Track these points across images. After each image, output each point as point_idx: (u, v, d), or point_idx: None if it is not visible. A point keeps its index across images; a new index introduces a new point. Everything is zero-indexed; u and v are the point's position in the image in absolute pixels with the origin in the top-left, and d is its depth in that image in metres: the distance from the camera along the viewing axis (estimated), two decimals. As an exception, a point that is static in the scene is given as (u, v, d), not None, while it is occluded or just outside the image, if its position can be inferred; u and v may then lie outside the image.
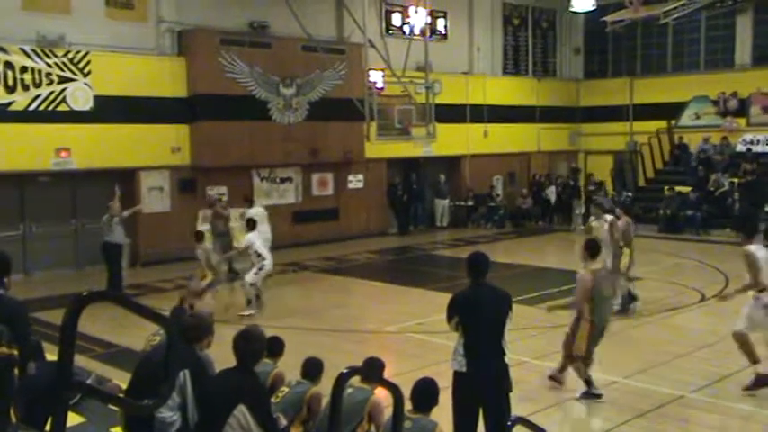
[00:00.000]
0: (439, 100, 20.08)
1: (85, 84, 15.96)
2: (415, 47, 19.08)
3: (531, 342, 10.18)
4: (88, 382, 6.81)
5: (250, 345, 4.60)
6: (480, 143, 23.97)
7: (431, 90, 19.18)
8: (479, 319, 5.81)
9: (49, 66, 15.47)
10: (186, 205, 17.69)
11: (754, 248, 8.07)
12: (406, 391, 5.24)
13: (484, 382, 5.77)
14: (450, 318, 5.93)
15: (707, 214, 20.82)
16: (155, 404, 3.30)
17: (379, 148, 19.73)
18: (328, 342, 10.36)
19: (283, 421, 5.32)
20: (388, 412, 5.21)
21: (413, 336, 10.75)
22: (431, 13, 20.82)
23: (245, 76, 18.09)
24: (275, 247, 18.65)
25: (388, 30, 21.43)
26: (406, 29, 20.89)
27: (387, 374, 5.91)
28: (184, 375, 4.58)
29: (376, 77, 18.44)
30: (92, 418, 6.64)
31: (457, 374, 5.84)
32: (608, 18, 23.40)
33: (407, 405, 5.12)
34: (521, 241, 20.69)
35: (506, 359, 5.89)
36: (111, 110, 16.22)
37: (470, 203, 23.43)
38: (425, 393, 5.16)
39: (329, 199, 20.60)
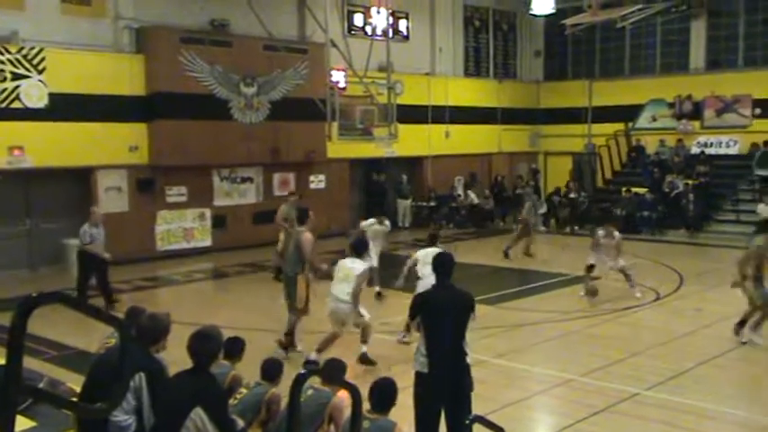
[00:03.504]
0: (401, 100, 20.12)
1: (40, 81, 15.63)
2: (377, 47, 19.11)
3: (490, 341, 10.26)
4: (40, 385, 6.69)
5: (204, 345, 4.54)
6: (442, 144, 24.10)
7: (393, 90, 19.22)
8: (441, 320, 5.85)
9: (2, 62, 15.11)
10: (145, 205, 17.44)
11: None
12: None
13: (446, 383, 5.81)
14: (412, 317, 5.99)
15: (662, 215, 21.24)
16: (107, 407, 3.24)
17: (341, 148, 19.70)
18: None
19: (240, 423, 5.27)
20: (348, 413, 5.20)
21: (375, 336, 10.73)
22: (393, 14, 20.88)
23: (206, 75, 17.90)
24: (236, 248, 18.63)
25: (350, 30, 21.38)
26: (369, 29, 20.90)
27: (349, 375, 5.91)
28: (140, 378, 4.52)
29: (338, 77, 18.41)
30: (44, 422, 6.51)
31: (419, 375, 5.87)
32: (567, 21, 23.71)
33: (366, 405, 5.11)
34: (481, 241, 20.83)
35: (468, 359, 5.93)
36: (66, 107, 15.91)
37: (432, 204, 23.54)
38: (383, 393, 5.17)
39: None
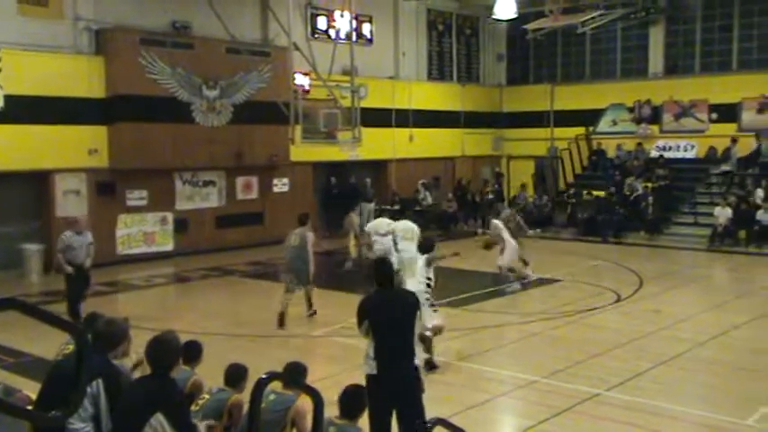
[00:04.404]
0: (365, 104, 20.11)
1: (-5, 82, 15.31)
2: (340, 50, 19.07)
3: (453, 344, 10.30)
4: (-5, 393, 6.52)
5: (162, 350, 4.48)
6: (406, 147, 24.18)
7: (356, 94, 19.19)
8: (388, 322, 5.97)
9: (-44, 63, 14.78)
10: (104, 209, 17.15)
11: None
12: (332, 395, 5.22)
13: (395, 384, 5.91)
14: (360, 323, 6.09)
15: (622, 217, 21.54)
16: (63, 414, 3.18)
17: (305, 151, 19.63)
18: (253, 347, 10.25)
19: (201, 429, 5.21)
20: (311, 418, 5.18)
21: (338, 340, 10.74)
22: (356, 18, 20.87)
23: (167, 77, 17.70)
24: (197, 252, 18.45)
25: (313, 33, 21.34)
26: (332, 32, 20.86)
27: (312, 379, 5.88)
28: (97, 385, 4.43)
29: (301, 81, 18.33)
30: (-1, 431, 6.36)
31: (369, 377, 5.95)
32: (529, 26, 23.96)
33: (335, 411, 5.10)
34: (445, 244, 20.88)
35: (417, 360, 6.05)
36: (23, 110, 15.59)
37: (396, 207, 23.56)
38: (352, 400, 5.15)
39: (254, 203, 20.35)
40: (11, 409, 3.39)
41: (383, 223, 13.15)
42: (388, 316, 5.99)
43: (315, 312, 12.01)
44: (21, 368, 9.25)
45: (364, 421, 5.34)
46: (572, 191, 23.14)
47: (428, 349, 8.96)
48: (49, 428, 4.35)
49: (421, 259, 9.32)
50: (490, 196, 24.13)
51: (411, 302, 6.16)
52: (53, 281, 15.42)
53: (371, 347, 5.94)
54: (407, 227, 12.05)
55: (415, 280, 9.10)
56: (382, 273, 6.21)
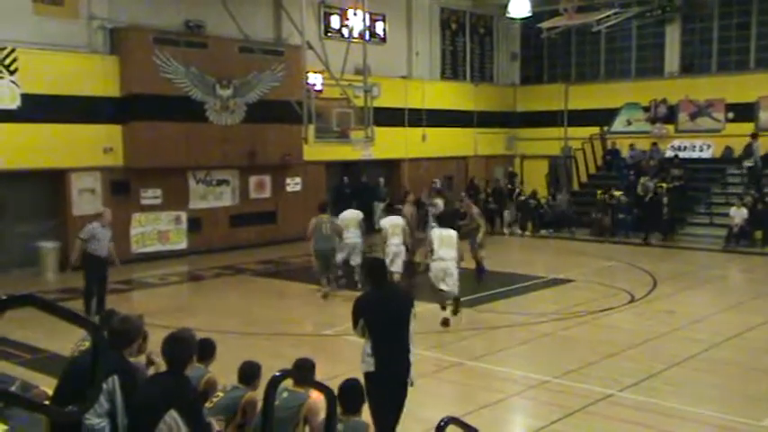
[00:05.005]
0: (378, 103, 20.13)
1: (12, 82, 15.43)
2: (353, 50, 19.09)
3: (465, 344, 10.30)
4: (12, 388, 6.60)
5: (178, 348, 4.52)
6: (419, 147, 24.16)
7: (369, 93, 19.20)
8: (384, 319, 6.08)
9: (-26, 63, 14.92)
10: (119, 207, 17.22)
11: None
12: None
13: (393, 379, 6.05)
14: (356, 322, 6.19)
15: (636, 218, 21.41)
16: (79, 410, 3.21)
17: (318, 151, 19.67)
18: (266, 346, 10.29)
19: (216, 426, 5.24)
20: (323, 415, 5.20)
21: (350, 338, 10.74)
22: (369, 16, 20.88)
23: (181, 77, 17.79)
24: (210, 250, 18.56)
25: (326, 32, 21.38)
26: (345, 31, 20.89)
27: (325, 377, 5.92)
28: (113, 381, 4.47)
29: (314, 80, 18.36)
30: (16, 425, 6.42)
31: (367, 375, 6.05)
32: (543, 25, 23.87)
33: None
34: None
35: (411, 357, 6.15)
36: (39, 109, 15.73)
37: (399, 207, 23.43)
38: (352, 394, 5.21)
39: (267, 201, 20.42)
40: (28, 405, 3.44)
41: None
42: (384, 314, 6.11)
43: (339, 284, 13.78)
44: (38, 364, 9.34)
45: (366, 418, 5.38)
46: (613, 191, 22.27)
47: (456, 309, 11.18)
48: (66, 423, 4.40)
49: (454, 235, 11.23)
50: (522, 197, 23.57)
51: (406, 300, 6.28)
52: (69, 278, 15.55)
53: (368, 345, 6.09)
54: (394, 223, 13.55)
55: (452, 249, 11.03)
56: (375, 272, 6.36)
